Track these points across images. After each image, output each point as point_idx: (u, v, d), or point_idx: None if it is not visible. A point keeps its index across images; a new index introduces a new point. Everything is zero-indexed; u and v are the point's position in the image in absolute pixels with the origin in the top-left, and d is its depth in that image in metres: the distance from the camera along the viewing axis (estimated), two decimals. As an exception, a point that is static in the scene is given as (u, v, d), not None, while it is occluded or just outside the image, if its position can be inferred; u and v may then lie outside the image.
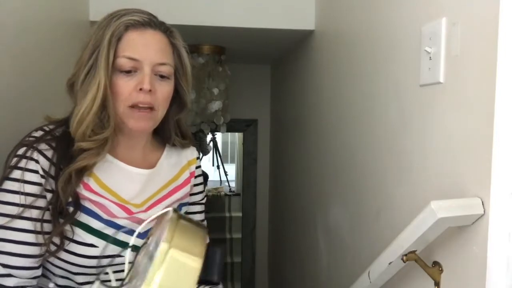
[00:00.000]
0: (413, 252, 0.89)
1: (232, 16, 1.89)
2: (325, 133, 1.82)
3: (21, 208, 0.78)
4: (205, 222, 1.06)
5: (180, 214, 0.63)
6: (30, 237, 0.79)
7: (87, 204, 0.83)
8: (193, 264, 0.56)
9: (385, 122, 1.20)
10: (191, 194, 1.03)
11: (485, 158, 0.76)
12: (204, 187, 1.09)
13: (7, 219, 0.77)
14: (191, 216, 1.02)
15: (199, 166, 1.06)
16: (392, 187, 1.16)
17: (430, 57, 0.93)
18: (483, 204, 0.77)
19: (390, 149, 1.17)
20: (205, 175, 2.44)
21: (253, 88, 3.34)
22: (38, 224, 0.79)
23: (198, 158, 1.06)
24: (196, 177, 1.04)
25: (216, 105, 2.51)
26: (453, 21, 0.87)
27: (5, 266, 0.77)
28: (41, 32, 1.31)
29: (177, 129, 0.98)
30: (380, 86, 1.25)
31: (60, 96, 1.39)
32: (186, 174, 1.01)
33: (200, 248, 0.58)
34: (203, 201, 1.08)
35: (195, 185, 1.04)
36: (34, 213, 0.79)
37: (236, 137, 5.93)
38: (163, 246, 0.55)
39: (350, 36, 1.52)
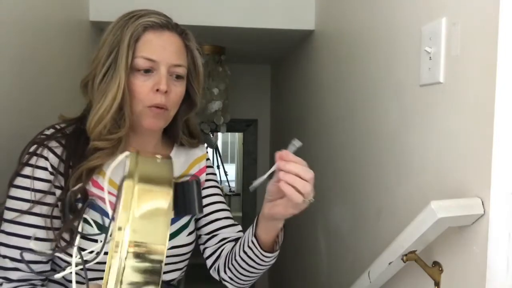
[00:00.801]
0: (413, 252, 0.89)
1: (232, 16, 1.89)
2: (325, 133, 1.82)
3: (31, 204, 0.80)
4: (227, 213, 1.04)
5: (138, 150, 0.60)
6: (38, 232, 0.81)
7: (96, 201, 0.84)
8: (164, 189, 0.53)
9: (385, 122, 1.20)
10: (204, 188, 1.03)
11: (485, 158, 0.76)
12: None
13: (17, 214, 0.80)
14: (210, 207, 1.02)
15: (209, 162, 1.07)
16: (392, 187, 1.16)
17: (430, 57, 0.93)
18: (483, 204, 0.77)
19: (390, 149, 1.17)
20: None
21: (253, 88, 3.34)
22: (48, 220, 0.81)
23: (207, 153, 1.07)
24: (207, 173, 1.05)
25: (216, 105, 2.51)
26: (453, 21, 0.87)
27: (12, 259, 0.79)
28: (41, 32, 1.31)
29: (185, 128, 1.00)
30: (380, 86, 1.25)
31: (60, 95, 1.40)
32: (195, 169, 1.02)
33: (168, 177, 0.56)
34: (220, 192, 1.07)
35: (208, 180, 1.05)
36: (44, 209, 0.81)
37: (236, 137, 5.93)
38: (127, 182, 0.52)
39: (350, 36, 1.52)
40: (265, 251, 0.86)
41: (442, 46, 0.90)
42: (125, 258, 0.49)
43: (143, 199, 0.52)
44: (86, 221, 0.82)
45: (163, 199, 0.53)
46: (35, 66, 1.26)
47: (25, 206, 0.80)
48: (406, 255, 0.89)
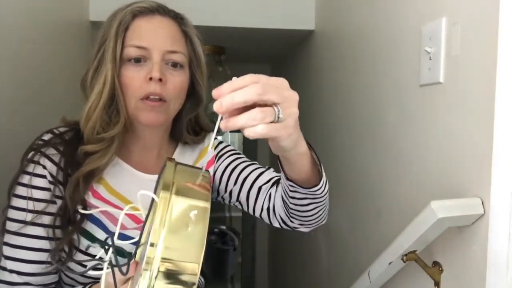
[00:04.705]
0: (413, 252, 0.90)
1: (232, 16, 1.89)
2: (325, 133, 1.82)
3: (33, 214, 0.75)
4: (252, 167, 0.91)
5: (177, 162, 0.55)
6: (43, 243, 0.77)
7: (94, 213, 0.79)
8: (202, 204, 0.49)
9: (385, 122, 1.20)
10: (222, 170, 0.93)
11: (485, 158, 0.76)
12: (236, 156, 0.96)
13: (19, 225, 0.75)
14: (233, 175, 0.91)
15: (221, 142, 0.98)
16: (392, 187, 1.16)
17: (430, 57, 0.93)
18: (483, 204, 0.77)
19: (390, 149, 1.17)
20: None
21: (253, 88, 3.33)
22: (50, 230, 0.76)
23: (216, 139, 0.98)
24: (219, 154, 0.95)
25: (216, 105, 2.51)
26: (453, 21, 0.87)
27: (20, 273, 0.75)
28: (41, 33, 1.31)
29: (189, 126, 0.91)
30: (380, 86, 1.25)
31: (60, 96, 1.40)
32: (202, 162, 0.93)
33: (206, 192, 0.51)
34: (238, 156, 0.94)
35: (220, 157, 0.94)
36: (46, 219, 0.76)
37: (236, 137, 5.92)
38: (162, 194, 0.48)
39: (350, 36, 1.52)
40: (310, 188, 0.71)
41: (442, 46, 0.90)
42: (155, 277, 0.46)
43: (179, 214, 0.48)
44: (83, 233, 0.78)
45: (200, 215, 0.48)
46: (34, 66, 1.26)
47: (27, 216, 0.75)
48: (406, 255, 0.89)
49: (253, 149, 3.42)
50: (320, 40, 1.90)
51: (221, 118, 0.51)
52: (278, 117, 0.51)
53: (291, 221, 0.83)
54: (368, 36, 1.34)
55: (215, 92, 0.50)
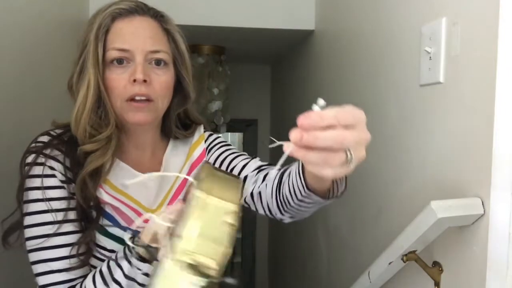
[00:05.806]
0: (413, 252, 0.90)
1: (232, 16, 1.90)
2: (325, 133, 1.82)
3: (63, 213, 0.75)
4: (241, 158, 0.92)
5: (214, 166, 0.57)
6: (76, 237, 0.77)
7: (107, 209, 0.80)
8: (231, 207, 0.51)
9: (385, 122, 1.20)
10: (216, 160, 0.93)
11: (485, 158, 0.76)
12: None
13: (53, 226, 0.75)
14: (230, 164, 0.92)
15: (211, 135, 0.98)
16: (392, 187, 1.16)
17: (430, 57, 0.93)
18: (483, 204, 0.77)
19: (390, 149, 1.17)
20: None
21: (253, 88, 3.34)
22: (79, 224, 0.77)
23: (205, 134, 0.98)
24: (209, 147, 0.95)
25: (216, 105, 2.52)
26: (453, 21, 0.87)
27: (68, 270, 0.76)
28: (40, 32, 1.31)
29: (177, 121, 0.93)
30: (380, 86, 1.25)
31: (60, 97, 1.39)
32: (194, 156, 0.94)
33: (236, 196, 0.53)
34: (228, 148, 0.95)
35: (210, 149, 0.95)
36: (72, 215, 0.77)
37: (236, 137, 5.92)
38: (199, 193, 0.50)
39: (350, 36, 1.52)
40: (325, 198, 0.71)
41: (442, 46, 0.90)
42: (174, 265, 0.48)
43: (211, 215, 0.50)
44: (98, 229, 0.79)
45: (231, 218, 0.51)
46: (33, 65, 1.26)
47: (57, 216, 0.75)
48: (406, 255, 0.89)
49: (253, 149, 3.42)
50: (320, 40, 1.90)
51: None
52: (348, 163, 0.49)
53: (281, 213, 0.82)
54: (368, 36, 1.34)
55: (303, 121, 0.47)
